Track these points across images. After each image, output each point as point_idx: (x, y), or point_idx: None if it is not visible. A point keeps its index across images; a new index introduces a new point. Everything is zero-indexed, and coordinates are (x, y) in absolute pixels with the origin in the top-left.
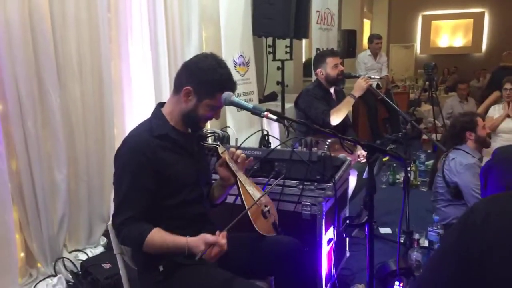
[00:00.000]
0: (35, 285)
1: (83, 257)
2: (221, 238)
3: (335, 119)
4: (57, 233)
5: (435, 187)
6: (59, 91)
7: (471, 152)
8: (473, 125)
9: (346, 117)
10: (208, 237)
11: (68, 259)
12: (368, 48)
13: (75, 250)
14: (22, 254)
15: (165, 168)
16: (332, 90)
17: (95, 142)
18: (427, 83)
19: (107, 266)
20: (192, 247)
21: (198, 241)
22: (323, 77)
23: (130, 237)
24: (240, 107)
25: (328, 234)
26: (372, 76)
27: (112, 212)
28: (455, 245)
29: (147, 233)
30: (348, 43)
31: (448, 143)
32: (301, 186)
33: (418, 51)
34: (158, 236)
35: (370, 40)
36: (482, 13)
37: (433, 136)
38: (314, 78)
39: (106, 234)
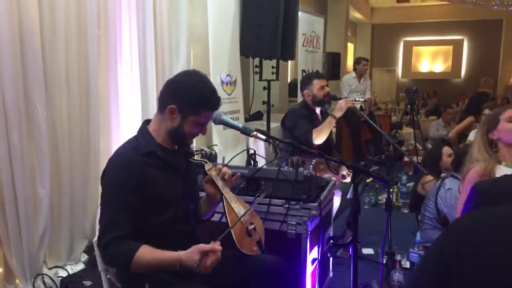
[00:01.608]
0: None
1: (63, 273)
2: (216, 245)
3: (318, 138)
4: (38, 249)
5: (424, 209)
6: (45, 105)
7: None
8: None
9: (330, 138)
10: (202, 246)
11: (48, 275)
12: (354, 70)
13: (55, 267)
14: (1, 270)
15: (152, 185)
16: (318, 111)
17: (80, 157)
18: (408, 106)
19: (88, 283)
20: (185, 260)
21: (191, 253)
22: (310, 98)
23: (118, 256)
24: (230, 126)
25: (313, 254)
26: (357, 99)
27: (96, 228)
28: (434, 270)
29: (136, 250)
30: (333, 65)
31: (428, 165)
32: (286, 205)
33: (400, 75)
34: (148, 252)
35: (358, 61)
36: (461, 40)
37: (414, 158)
38: (299, 98)
39: (87, 250)
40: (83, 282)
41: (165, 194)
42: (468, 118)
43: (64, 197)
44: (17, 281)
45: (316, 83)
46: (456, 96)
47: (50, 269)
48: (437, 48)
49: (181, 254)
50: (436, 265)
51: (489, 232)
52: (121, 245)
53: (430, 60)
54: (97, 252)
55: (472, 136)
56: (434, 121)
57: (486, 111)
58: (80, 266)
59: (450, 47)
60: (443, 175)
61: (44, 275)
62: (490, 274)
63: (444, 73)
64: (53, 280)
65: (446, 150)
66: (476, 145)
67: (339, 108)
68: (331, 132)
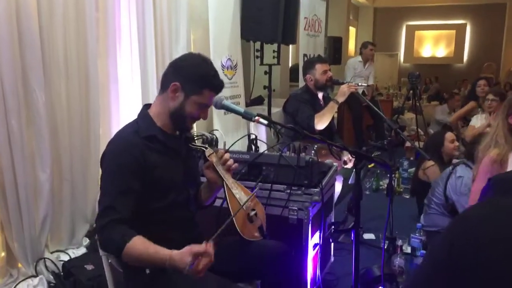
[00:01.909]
0: (16, 286)
1: (65, 258)
2: (209, 247)
3: (319, 123)
4: (39, 233)
5: (432, 194)
6: (44, 89)
7: None
8: None
9: (332, 124)
10: (194, 247)
11: (50, 259)
12: (360, 54)
13: (57, 251)
14: (3, 254)
15: (152, 169)
16: (320, 96)
17: (80, 142)
18: (410, 91)
19: (89, 267)
20: (176, 260)
21: (183, 253)
22: (312, 82)
23: (111, 241)
24: (231, 110)
25: (314, 239)
26: (359, 83)
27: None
28: (447, 260)
29: (129, 239)
30: (334, 50)
31: (429, 151)
32: (288, 191)
33: (402, 60)
34: (140, 244)
35: (365, 45)
36: (464, 25)
37: (416, 144)
38: (301, 83)
39: (88, 235)
40: (85, 266)
41: (165, 178)
42: (470, 103)
43: (65, 182)
44: (19, 265)
45: (319, 68)
46: (458, 81)
47: (52, 253)
48: (439, 33)
49: (173, 253)
50: (449, 253)
51: (507, 220)
52: (116, 230)
53: (433, 44)
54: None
55: (474, 121)
56: (438, 106)
57: (490, 96)
58: (82, 250)
59: (453, 32)
60: (454, 161)
61: (46, 259)
62: (508, 261)
63: (447, 58)
64: (55, 264)
65: (449, 135)
66: (495, 129)
67: (341, 93)
68: (333, 118)
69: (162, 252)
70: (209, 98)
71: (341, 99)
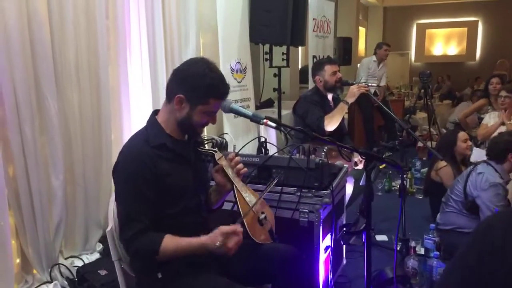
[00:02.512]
0: None
1: (79, 263)
2: (237, 227)
3: (329, 125)
4: (53, 239)
5: (451, 191)
6: (56, 97)
7: (501, 172)
8: None
9: (342, 125)
10: (224, 227)
11: (64, 265)
12: (375, 54)
13: (71, 257)
14: (18, 260)
15: (164, 177)
16: (330, 97)
17: (92, 148)
18: (422, 90)
19: (103, 272)
20: (207, 244)
21: (213, 236)
22: (321, 84)
23: (144, 249)
24: (240, 114)
25: (326, 241)
26: (370, 84)
27: (109, 218)
28: (476, 268)
29: (160, 241)
30: (344, 51)
31: (442, 151)
32: (298, 193)
33: (413, 59)
34: (170, 242)
35: (379, 46)
36: (476, 22)
37: (428, 143)
38: (310, 85)
39: (102, 240)
40: (99, 271)
41: (177, 185)
42: (480, 100)
43: (78, 188)
44: (34, 271)
45: (328, 69)
46: (471, 79)
47: (66, 259)
48: (451, 31)
49: (203, 239)
50: (478, 263)
51: None
52: (143, 240)
53: (444, 43)
54: (110, 242)
55: (487, 119)
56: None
57: (503, 93)
58: (95, 256)
59: (465, 29)
60: (473, 159)
61: (60, 265)
62: None
63: (459, 56)
64: (69, 270)
65: (462, 135)
66: None
67: (351, 94)
68: (343, 119)
69: (194, 241)
70: (215, 105)
71: (350, 100)
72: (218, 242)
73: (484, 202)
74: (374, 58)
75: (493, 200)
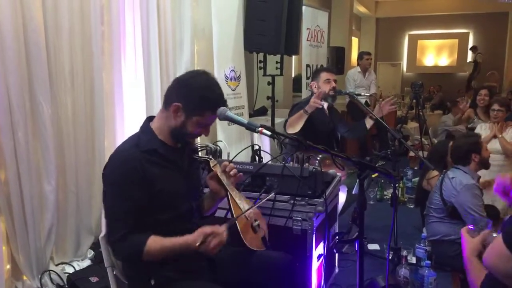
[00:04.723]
0: None
1: (69, 270)
2: (217, 228)
3: (290, 127)
4: (44, 245)
5: (430, 203)
6: (50, 102)
7: (470, 173)
8: (478, 147)
9: (335, 133)
10: (206, 228)
11: (55, 272)
12: (358, 65)
13: (62, 263)
14: (8, 267)
15: (154, 182)
16: (325, 105)
17: (85, 154)
18: (414, 100)
19: (94, 279)
20: (190, 243)
21: (196, 235)
22: (316, 90)
23: (129, 251)
24: (235, 122)
25: (318, 250)
26: (362, 94)
27: (101, 224)
28: None
29: (144, 242)
30: (337, 60)
31: (433, 160)
32: (292, 201)
33: (405, 69)
34: (155, 242)
35: (360, 56)
36: (467, 34)
37: (420, 153)
38: (304, 93)
39: (93, 247)
40: (90, 278)
41: (167, 191)
42: (468, 110)
43: (70, 194)
44: (24, 277)
45: (323, 76)
46: (461, 90)
47: (57, 265)
48: (442, 42)
49: (185, 238)
50: None
51: None
52: (128, 241)
53: (435, 54)
54: (103, 248)
55: (478, 131)
56: (443, 116)
57: (496, 107)
58: (86, 263)
59: (456, 41)
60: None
61: (51, 272)
62: None
63: (450, 67)
64: (60, 276)
65: None
66: None
67: (310, 105)
68: (335, 127)
69: (178, 240)
70: (210, 118)
71: (309, 110)
72: (197, 242)
73: (460, 204)
74: (358, 69)
75: (474, 202)
